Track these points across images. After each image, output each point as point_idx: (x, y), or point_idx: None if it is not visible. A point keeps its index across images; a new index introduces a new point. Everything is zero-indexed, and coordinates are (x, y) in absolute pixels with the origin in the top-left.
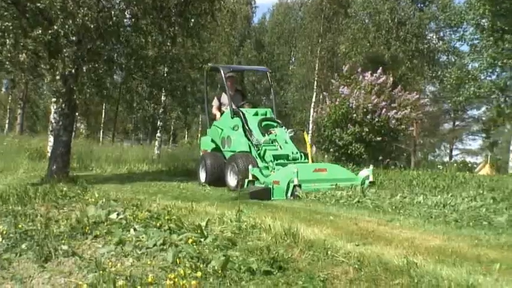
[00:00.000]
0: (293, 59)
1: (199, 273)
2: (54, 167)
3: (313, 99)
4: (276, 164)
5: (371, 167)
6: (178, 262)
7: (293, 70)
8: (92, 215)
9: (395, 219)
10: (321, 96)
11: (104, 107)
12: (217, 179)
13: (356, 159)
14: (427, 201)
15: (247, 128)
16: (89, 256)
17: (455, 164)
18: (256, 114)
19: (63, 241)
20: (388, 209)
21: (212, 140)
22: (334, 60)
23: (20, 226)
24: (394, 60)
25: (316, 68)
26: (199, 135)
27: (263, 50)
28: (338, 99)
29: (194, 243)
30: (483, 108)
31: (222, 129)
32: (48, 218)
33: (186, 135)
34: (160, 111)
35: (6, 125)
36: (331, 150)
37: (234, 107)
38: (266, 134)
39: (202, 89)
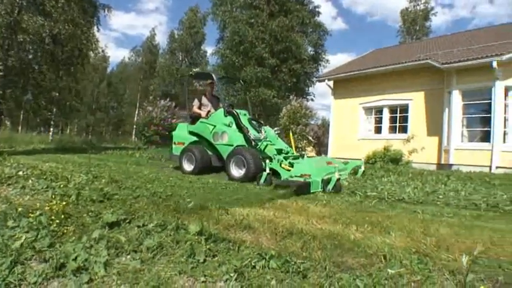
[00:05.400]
0: (127, 91)
1: (64, 203)
2: None
3: (136, 111)
4: (284, 158)
5: (362, 160)
6: (54, 197)
7: (126, 96)
8: (7, 172)
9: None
10: (138, 110)
11: (21, 112)
12: (202, 169)
13: (155, 143)
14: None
15: (242, 125)
16: (4, 195)
17: None
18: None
19: None
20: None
21: (192, 133)
22: (149, 93)
23: None
24: (176, 93)
25: (138, 95)
26: (75, 129)
27: (112, 86)
28: (147, 113)
29: (64, 186)
30: None
31: (215, 126)
32: None
33: (68, 129)
34: (52, 116)
35: None
36: (142, 138)
37: (212, 108)
38: (263, 131)
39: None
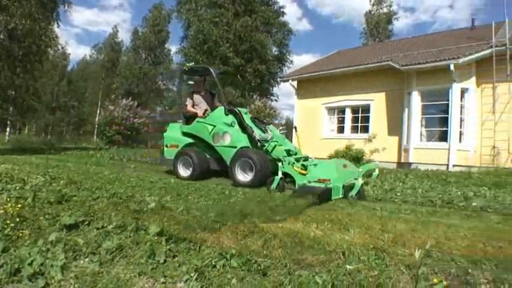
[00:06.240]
0: (88, 90)
1: (19, 205)
2: None
3: (98, 111)
4: (296, 160)
5: (377, 162)
6: (9, 200)
7: (87, 94)
8: None
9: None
10: (99, 110)
11: None
12: (201, 174)
13: (116, 143)
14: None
15: (246, 124)
16: None
17: None
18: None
19: None
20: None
21: (186, 135)
22: (111, 92)
23: None
24: (139, 92)
25: (100, 93)
26: (34, 129)
27: (72, 84)
28: (108, 112)
29: (19, 189)
30: None
31: (214, 126)
32: None
33: (26, 129)
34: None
35: None
36: (104, 138)
37: (207, 106)
38: (269, 131)
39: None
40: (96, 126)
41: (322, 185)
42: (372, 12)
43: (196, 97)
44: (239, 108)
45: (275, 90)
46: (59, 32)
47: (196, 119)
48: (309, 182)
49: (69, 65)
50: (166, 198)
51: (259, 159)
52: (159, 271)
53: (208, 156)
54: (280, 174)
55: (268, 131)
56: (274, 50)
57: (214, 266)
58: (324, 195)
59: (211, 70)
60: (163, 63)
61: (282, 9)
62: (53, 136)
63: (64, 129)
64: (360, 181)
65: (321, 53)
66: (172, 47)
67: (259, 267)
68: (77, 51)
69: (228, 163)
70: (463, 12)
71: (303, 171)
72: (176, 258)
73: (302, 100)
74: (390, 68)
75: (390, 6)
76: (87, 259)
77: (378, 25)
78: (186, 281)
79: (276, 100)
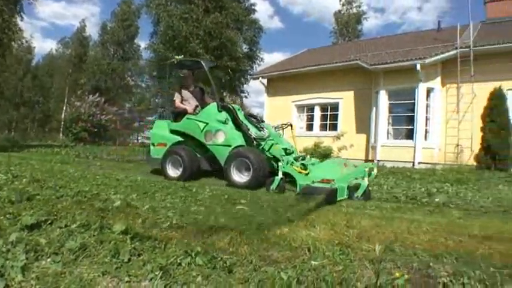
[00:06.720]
0: (54, 85)
1: None
2: None
3: (64, 107)
4: (294, 159)
5: (376, 162)
6: None
7: (53, 90)
8: None
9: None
10: (65, 106)
11: None
12: (192, 174)
13: (83, 140)
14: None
15: (240, 122)
16: None
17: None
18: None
19: None
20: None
21: (175, 132)
22: (77, 87)
23: None
24: (107, 88)
25: (67, 89)
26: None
27: (38, 79)
28: (75, 108)
29: None
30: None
31: (207, 123)
32: None
33: None
34: None
35: None
36: (69, 135)
37: (196, 102)
38: (264, 129)
39: None
40: (62, 123)
41: (327, 186)
42: (342, 12)
43: (185, 92)
44: (233, 105)
45: (245, 87)
46: (23, 25)
47: (186, 116)
48: (313, 182)
49: (34, 59)
50: (132, 196)
51: (256, 159)
52: (123, 270)
53: (198, 155)
54: (280, 175)
55: (264, 128)
56: (245, 48)
57: (180, 264)
58: (330, 197)
59: (203, 63)
60: (132, 59)
61: (253, 7)
62: (16, 133)
63: (28, 125)
64: (366, 181)
65: (291, 51)
66: (142, 43)
67: (224, 265)
68: (43, 45)
69: (221, 163)
70: (431, 13)
71: (303, 171)
72: (141, 257)
73: (272, 98)
74: (359, 67)
75: (359, 6)
76: (49, 259)
77: (348, 25)
78: (151, 279)
79: (246, 97)
